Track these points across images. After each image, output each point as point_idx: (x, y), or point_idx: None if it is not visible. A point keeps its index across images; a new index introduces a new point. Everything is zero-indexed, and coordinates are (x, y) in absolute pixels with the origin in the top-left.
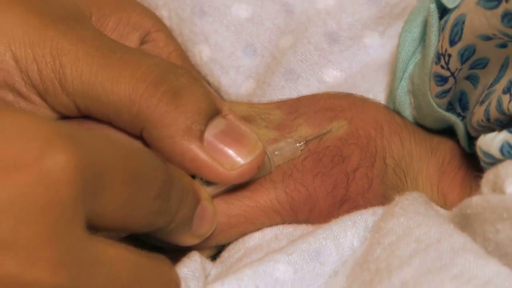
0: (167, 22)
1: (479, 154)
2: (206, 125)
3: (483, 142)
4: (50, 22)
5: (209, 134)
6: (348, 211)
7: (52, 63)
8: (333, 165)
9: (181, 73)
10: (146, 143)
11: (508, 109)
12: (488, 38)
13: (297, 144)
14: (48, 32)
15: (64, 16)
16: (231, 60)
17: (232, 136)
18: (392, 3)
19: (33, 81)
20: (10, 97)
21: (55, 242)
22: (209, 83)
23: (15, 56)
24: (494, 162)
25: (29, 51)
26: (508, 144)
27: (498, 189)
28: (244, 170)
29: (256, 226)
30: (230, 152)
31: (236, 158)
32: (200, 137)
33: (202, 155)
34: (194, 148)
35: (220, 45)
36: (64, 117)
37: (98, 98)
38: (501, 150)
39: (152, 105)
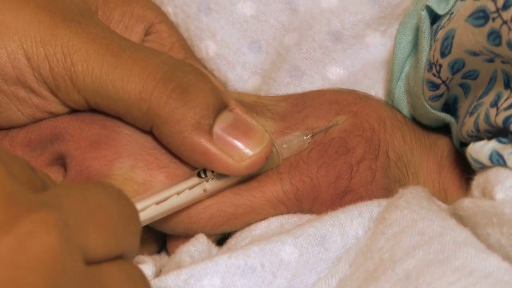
0: (172, 18)
1: (469, 160)
2: (214, 119)
3: (473, 150)
4: (61, 20)
5: (217, 128)
6: (351, 202)
7: (63, 60)
8: (338, 155)
9: (189, 70)
10: (156, 139)
11: (495, 122)
12: (475, 54)
13: (305, 137)
14: (59, 30)
15: (74, 13)
16: (237, 56)
17: (240, 129)
18: (394, 4)
19: (44, 78)
20: (22, 93)
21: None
22: (215, 78)
23: (27, 54)
24: (484, 167)
25: (41, 49)
26: (497, 152)
27: (487, 194)
28: (253, 161)
29: (262, 216)
30: (239, 144)
31: (244, 150)
32: (209, 131)
33: (212, 148)
34: (204, 142)
35: (226, 41)
36: (74, 110)
37: (108, 95)
38: (490, 158)
39: (162, 102)
